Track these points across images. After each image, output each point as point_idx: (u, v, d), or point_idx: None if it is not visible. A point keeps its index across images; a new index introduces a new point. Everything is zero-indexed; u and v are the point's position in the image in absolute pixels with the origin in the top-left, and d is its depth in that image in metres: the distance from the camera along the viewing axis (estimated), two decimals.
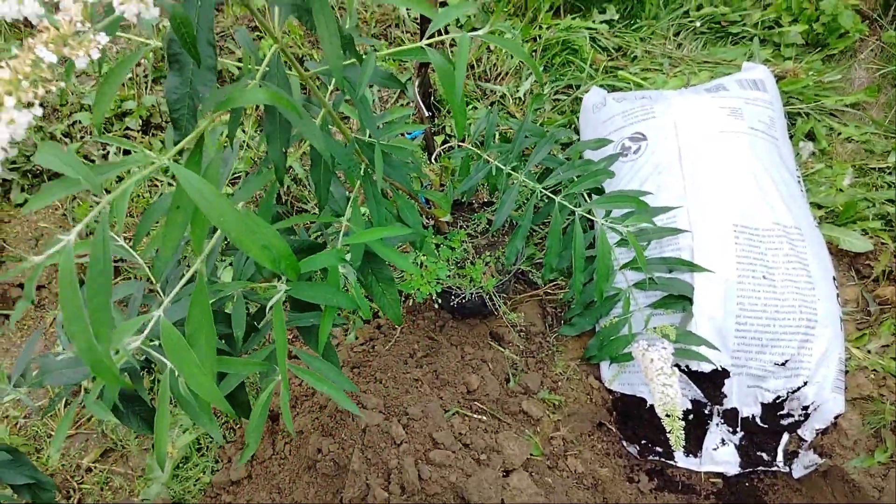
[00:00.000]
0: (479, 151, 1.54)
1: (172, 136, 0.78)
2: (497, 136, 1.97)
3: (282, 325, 0.97)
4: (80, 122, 2.24)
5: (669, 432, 1.44)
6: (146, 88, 2.32)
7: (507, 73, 2.27)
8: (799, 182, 1.79)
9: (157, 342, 1.02)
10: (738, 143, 1.72)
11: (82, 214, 2.03)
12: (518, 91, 2.18)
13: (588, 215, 1.48)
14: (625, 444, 1.66)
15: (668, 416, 1.45)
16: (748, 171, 1.68)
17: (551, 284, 1.79)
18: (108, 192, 0.67)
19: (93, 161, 2.15)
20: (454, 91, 0.95)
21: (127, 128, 2.21)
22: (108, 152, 2.17)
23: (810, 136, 2.05)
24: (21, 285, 1.93)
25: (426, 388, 1.51)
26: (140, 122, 2.21)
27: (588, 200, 1.61)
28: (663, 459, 1.64)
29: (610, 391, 1.68)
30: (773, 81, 1.91)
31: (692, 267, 1.57)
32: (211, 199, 0.70)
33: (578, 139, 2.03)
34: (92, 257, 0.63)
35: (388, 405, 1.44)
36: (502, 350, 1.67)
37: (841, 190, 1.89)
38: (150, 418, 1.01)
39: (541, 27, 2.33)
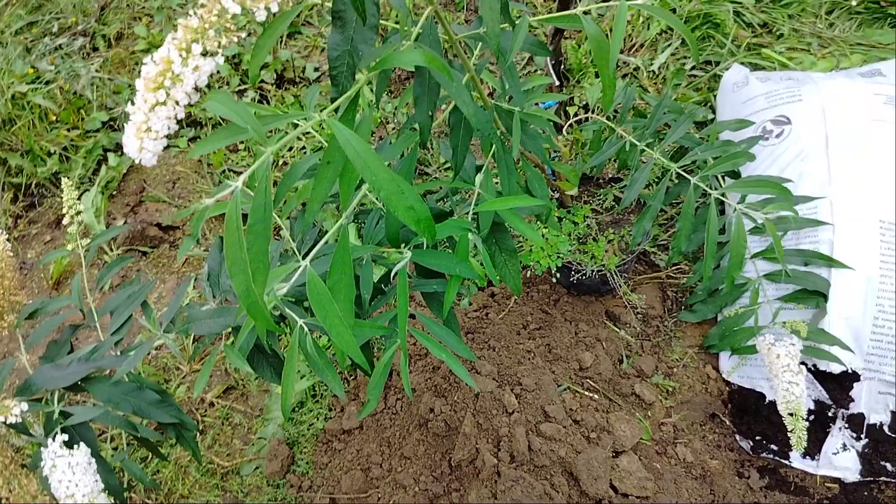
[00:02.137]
0: (611, 125, 1.50)
1: (332, 92, 0.79)
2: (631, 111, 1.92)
3: (405, 292, 0.98)
4: (218, 72, 2.32)
5: (791, 431, 1.39)
6: (281, 43, 2.38)
7: (641, 45, 2.20)
8: None
9: (291, 300, 1.06)
10: (892, 133, 1.60)
11: (218, 162, 2.13)
12: (652, 64, 2.11)
13: (722, 198, 1.42)
14: (738, 438, 1.60)
15: (791, 414, 1.39)
16: None
17: (674, 268, 1.74)
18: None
19: None
20: (608, 63, 0.92)
21: (262, 80, 2.28)
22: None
23: None
24: (158, 224, 2.05)
25: (538, 361, 1.50)
26: (275, 75, 2.28)
27: (721, 183, 1.55)
28: (777, 458, 1.58)
29: (727, 383, 1.62)
30: None
31: (831, 262, 1.49)
32: (366, 157, 0.71)
33: (714, 118, 1.94)
34: (254, 205, 0.65)
35: (501, 373, 1.45)
36: (617, 330, 1.64)
37: None
38: (280, 369, 1.05)
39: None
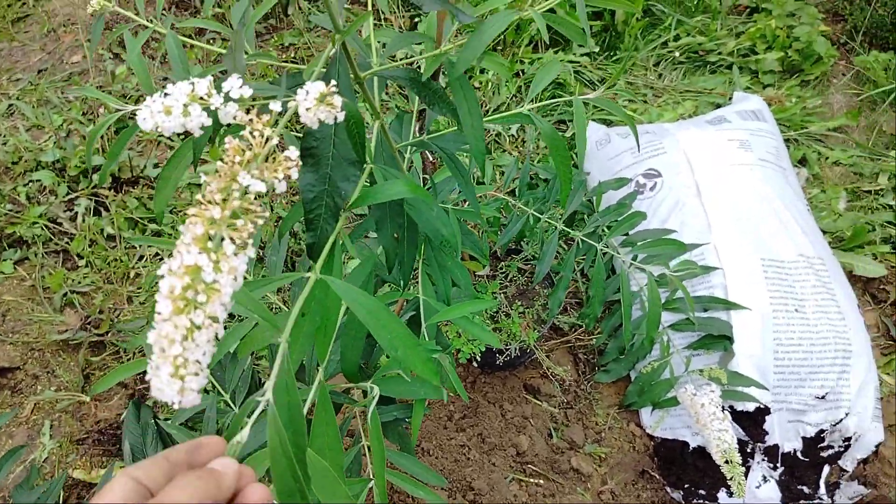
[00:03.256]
0: (511, 200, 1.48)
1: (307, 237, 0.67)
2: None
3: (378, 434, 0.87)
4: (40, 181, 2.05)
5: (731, 479, 1.40)
6: (108, 142, 2.15)
7: (496, 109, 2.22)
8: (809, 211, 1.81)
9: None
10: (751, 175, 1.72)
11: (56, 284, 1.85)
12: (510, 129, 2.14)
13: (624, 258, 1.44)
14: (668, 490, 1.61)
15: (727, 462, 1.41)
16: (766, 203, 1.68)
17: (580, 330, 1.74)
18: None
19: (60, 224, 1.97)
20: (567, 161, 0.89)
21: (95, 186, 2.03)
22: (76, 213, 1.99)
23: (801, 162, 2.09)
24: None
25: (475, 454, 1.42)
26: (110, 178, 2.04)
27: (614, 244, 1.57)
28: (707, 502, 1.61)
29: (651, 437, 1.63)
30: (769, 111, 1.94)
31: (728, 305, 1.55)
32: (380, 315, 0.62)
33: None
34: (283, 412, 0.52)
35: (448, 479, 1.35)
36: (540, 403, 1.60)
37: (840, 215, 1.93)
38: None
39: (522, 62, 2.30)
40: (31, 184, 2.07)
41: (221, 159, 0.45)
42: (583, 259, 1.52)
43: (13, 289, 1.90)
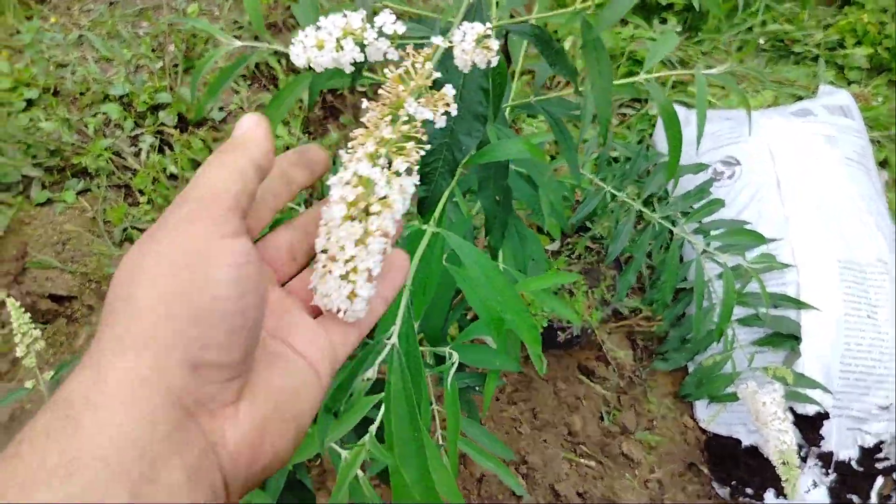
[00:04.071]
0: (589, 176, 1.44)
1: (419, 191, 0.65)
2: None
3: (455, 401, 0.85)
4: (107, 114, 2.05)
5: (786, 481, 1.37)
6: (178, 80, 2.14)
7: (562, 83, 2.17)
8: (890, 216, 1.74)
9: None
10: (837, 173, 1.66)
11: (117, 219, 1.85)
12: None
13: (700, 245, 1.40)
14: (715, 485, 1.58)
15: (784, 463, 1.38)
16: (850, 203, 1.62)
17: (640, 315, 1.70)
18: None
19: (124, 158, 1.97)
20: (679, 135, 0.85)
21: (161, 124, 2.03)
22: (140, 149, 1.99)
23: (882, 165, 2.01)
24: (51, 296, 1.75)
25: (527, 429, 1.40)
26: (176, 117, 2.03)
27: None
28: (753, 501, 1.58)
29: (703, 431, 1.60)
30: (857, 108, 1.86)
31: (799, 304, 1.50)
32: (489, 271, 0.60)
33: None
34: (406, 358, 0.50)
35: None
36: (593, 385, 1.58)
37: None
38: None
39: None
40: (97, 115, 2.07)
41: (383, 87, 0.43)
42: (651, 243, 1.48)
43: (75, 218, 1.91)
